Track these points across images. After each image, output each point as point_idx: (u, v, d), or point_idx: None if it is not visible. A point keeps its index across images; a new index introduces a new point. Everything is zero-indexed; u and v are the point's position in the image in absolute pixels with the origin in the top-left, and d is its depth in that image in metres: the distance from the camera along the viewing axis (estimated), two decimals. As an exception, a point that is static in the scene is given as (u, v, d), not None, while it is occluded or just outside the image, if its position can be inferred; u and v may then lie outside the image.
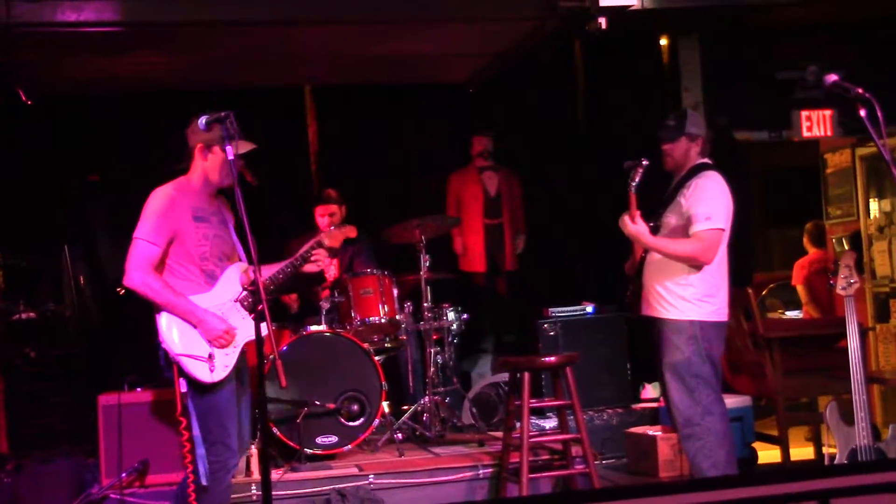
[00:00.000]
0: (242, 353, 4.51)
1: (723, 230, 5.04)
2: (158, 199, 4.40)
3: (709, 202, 5.03)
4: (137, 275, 4.33)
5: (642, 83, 7.97)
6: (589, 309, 7.60)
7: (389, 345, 6.72)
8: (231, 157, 3.98)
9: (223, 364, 4.41)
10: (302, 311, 6.78)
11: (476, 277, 8.25)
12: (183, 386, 4.40)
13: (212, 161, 4.45)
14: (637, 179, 4.94)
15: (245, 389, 4.63)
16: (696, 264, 5.03)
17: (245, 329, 4.49)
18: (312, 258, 4.74)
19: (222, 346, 4.40)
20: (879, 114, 3.58)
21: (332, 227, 5.03)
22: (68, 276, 7.21)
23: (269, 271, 4.69)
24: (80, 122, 7.70)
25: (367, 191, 8.36)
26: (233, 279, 4.53)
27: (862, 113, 3.61)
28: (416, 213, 7.61)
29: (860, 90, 3.62)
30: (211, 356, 4.37)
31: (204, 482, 4.35)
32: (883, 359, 8.27)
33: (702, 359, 5.08)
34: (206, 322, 4.37)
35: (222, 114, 4.06)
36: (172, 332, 4.36)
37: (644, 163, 4.93)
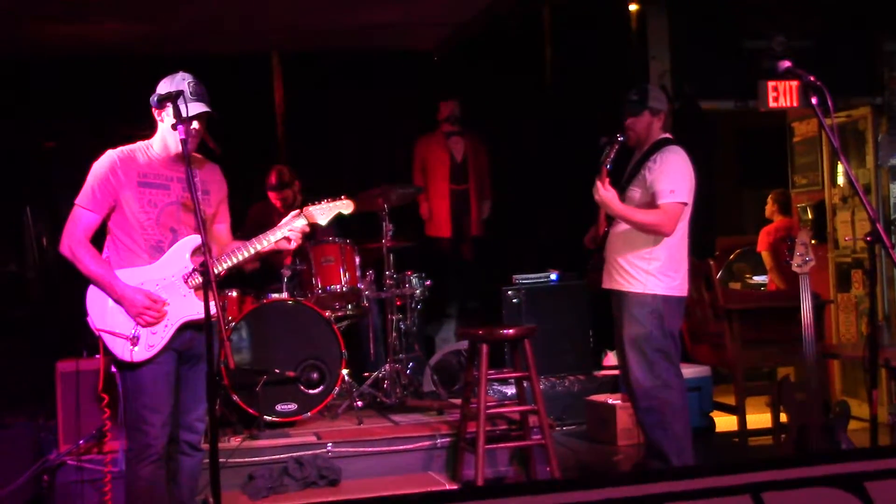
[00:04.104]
0: (198, 331, 4.18)
1: (685, 204, 5.08)
2: (99, 163, 4.18)
3: (673, 176, 5.07)
4: (66, 242, 4.14)
5: (610, 51, 7.95)
6: (553, 276, 7.65)
7: (352, 312, 6.73)
8: (182, 136, 3.86)
9: (148, 343, 4.13)
10: (264, 277, 6.77)
11: (441, 243, 8.26)
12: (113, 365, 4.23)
13: (168, 123, 4.13)
14: (612, 156, 5.01)
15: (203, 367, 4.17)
16: (657, 235, 5.07)
17: (184, 307, 4.19)
18: (290, 233, 4.30)
19: (148, 324, 4.12)
20: (829, 102, 3.60)
21: (324, 202, 4.41)
22: (30, 237, 7.16)
23: (234, 246, 4.33)
24: (38, 86, 7.60)
25: (333, 156, 8.32)
26: (181, 253, 4.20)
27: (813, 101, 3.62)
28: (381, 179, 7.58)
29: (812, 77, 3.63)
30: (136, 334, 4.11)
31: (119, 468, 4.21)
32: (843, 327, 8.35)
33: (663, 333, 5.12)
34: (126, 297, 4.09)
35: (173, 91, 3.96)
36: (97, 305, 4.13)
37: (619, 139, 5.01)
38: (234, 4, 6.60)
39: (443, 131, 8.17)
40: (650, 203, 5.08)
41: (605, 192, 5.01)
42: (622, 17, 7.86)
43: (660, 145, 5.21)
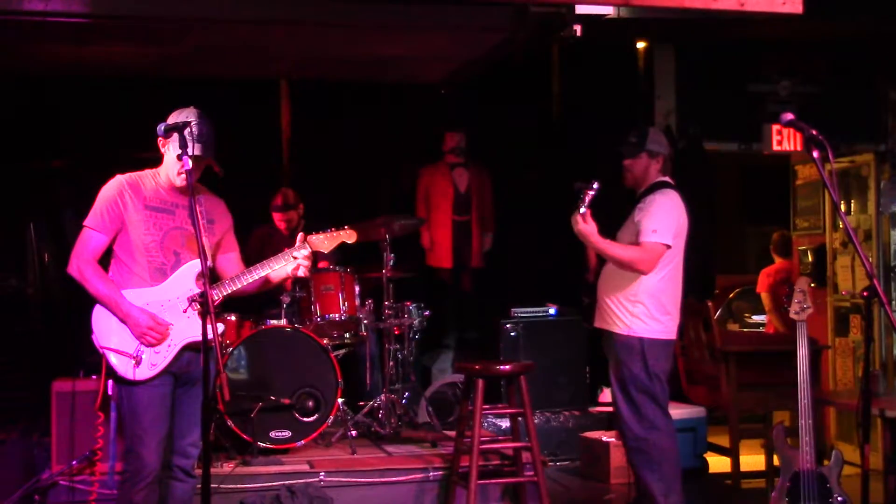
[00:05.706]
0: (196, 354, 4.27)
1: (668, 246, 5.06)
2: (108, 187, 4.33)
3: (658, 217, 5.08)
4: (75, 262, 4.26)
5: (617, 89, 7.99)
6: (552, 311, 7.67)
7: (349, 341, 6.75)
8: (187, 167, 3.95)
9: (151, 362, 4.25)
10: (263, 303, 6.79)
11: (442, 273, 8.25)
12: (111, 387, 4.35)
13: (173, 154, 4.22)
14: (587, 201, 4.91)
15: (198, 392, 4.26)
16: (634, 272, 5.07)
17: (187, 328, 4.30)
18: (296, 260, 4.43)
19: (151, 344, 4.25)
20: (830, 155, 3.63)
21: (328, 232, 4.60)
22: (32, 253, 7.17)
23: (237, 272, 4.45)
24: (45, 106, 7.64)
25: (337, 183, 8.33)
26: (187, 276, 4.34)
27: (815, 154, 3.65)
28: (384, 208, 7.61)
29: (814, 131, 3.66)
30: (139, 353, 4.23)
31: (109, 489, 4.24)
32: (840, 372, 8.36)
33: (649, 375, 5.15)
34: (131, 317, 4.21)
35: (180, 122, 4.06)
36: (103, 324, 4.26)
37: (595, 185, 4.89)
38: (245, 33, 6.63)
39: (447, 162, 8.19)
40: (637, 244, 5.10)
41: (584, 226, 4.96)
42: (630, 55, 7.90)
43: (654, 188, 5.24)
